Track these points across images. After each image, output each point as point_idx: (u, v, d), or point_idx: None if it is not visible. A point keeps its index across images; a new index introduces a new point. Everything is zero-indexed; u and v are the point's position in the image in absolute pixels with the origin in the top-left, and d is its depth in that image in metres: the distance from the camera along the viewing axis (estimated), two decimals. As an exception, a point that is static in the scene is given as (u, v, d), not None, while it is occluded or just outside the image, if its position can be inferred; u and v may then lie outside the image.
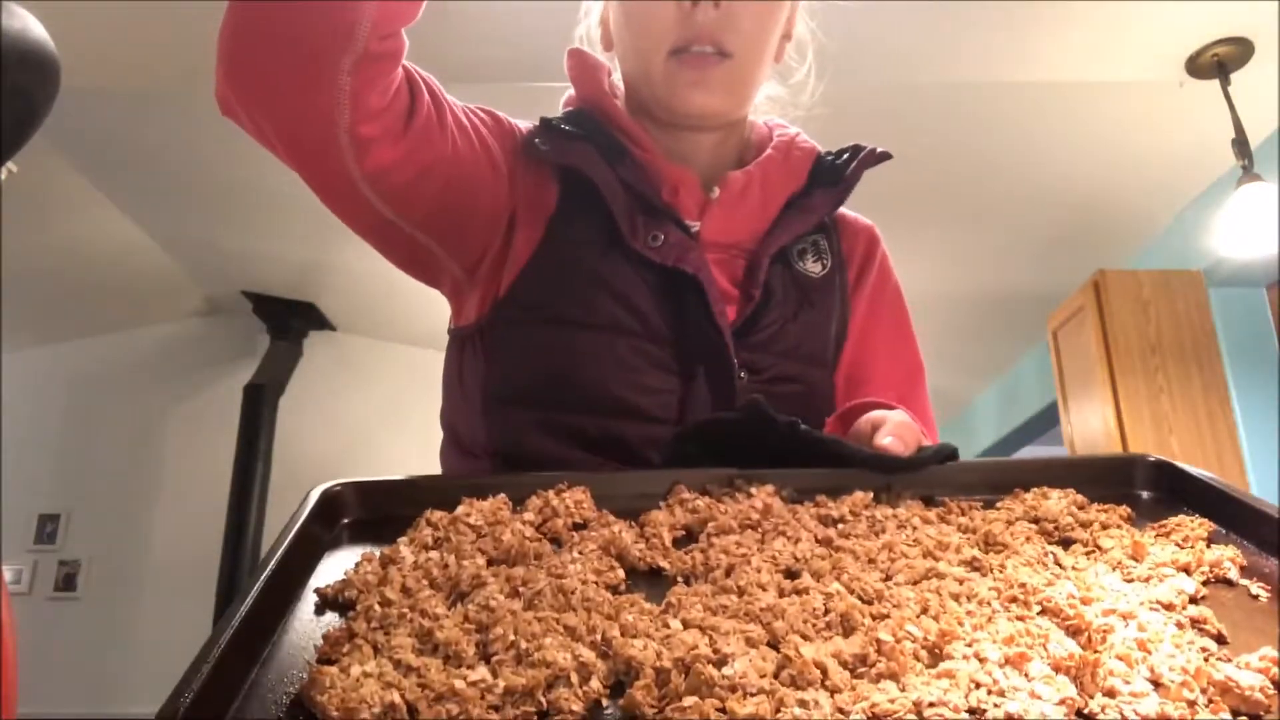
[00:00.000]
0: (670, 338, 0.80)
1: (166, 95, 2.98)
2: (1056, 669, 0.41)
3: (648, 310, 0.80)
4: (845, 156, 0.90)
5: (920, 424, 0.82)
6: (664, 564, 0.54)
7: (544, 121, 0.86)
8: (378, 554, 0.53)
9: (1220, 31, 2.29)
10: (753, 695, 0.39)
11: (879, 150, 0.90)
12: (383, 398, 4.96)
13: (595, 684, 0.41)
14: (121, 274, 4.37)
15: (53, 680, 4.40)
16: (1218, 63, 2.35)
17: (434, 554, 0.52)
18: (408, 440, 4.93)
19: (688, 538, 0.58)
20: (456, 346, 0.86)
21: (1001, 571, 0.51)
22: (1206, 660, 0.42)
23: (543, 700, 0.40)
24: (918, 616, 0.45)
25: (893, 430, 0.69)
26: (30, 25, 1.07)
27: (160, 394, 4.98)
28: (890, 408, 0.79)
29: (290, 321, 4.88)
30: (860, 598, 0.48)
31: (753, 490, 0.61)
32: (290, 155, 0.72)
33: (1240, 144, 2.39)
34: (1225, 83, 2.38)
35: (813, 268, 0.89)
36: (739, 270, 0.85)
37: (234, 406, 4.64)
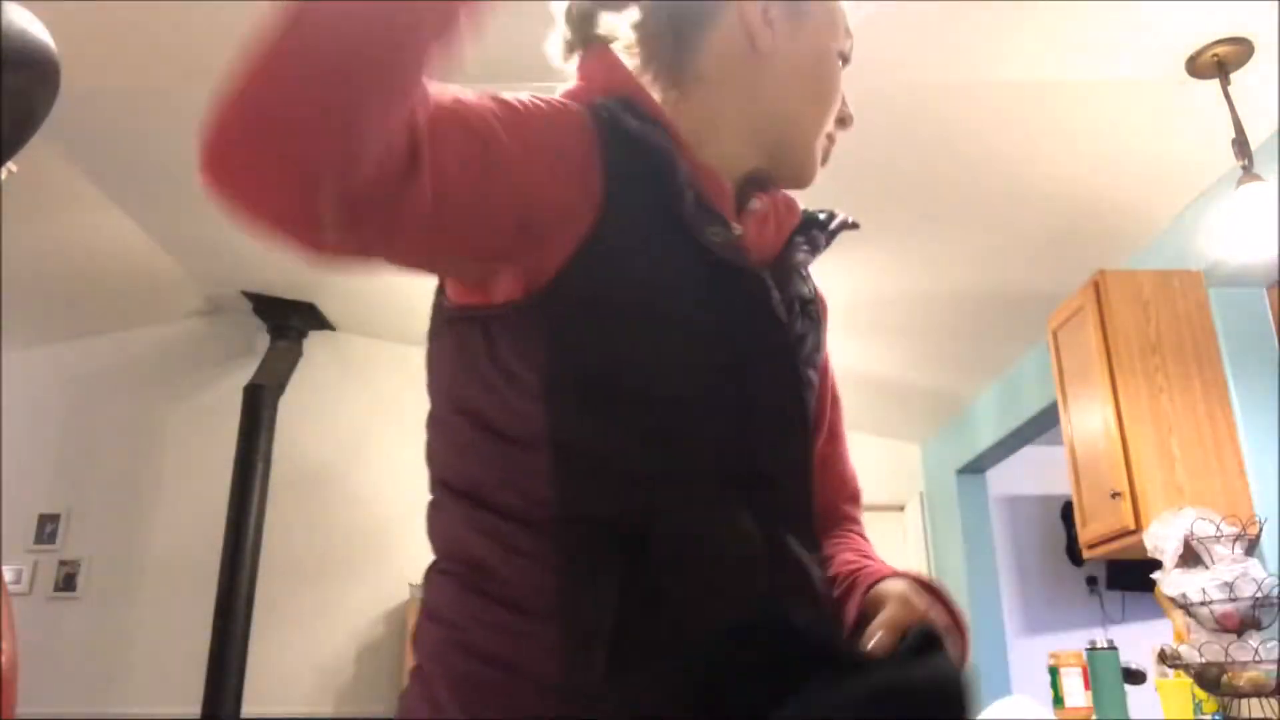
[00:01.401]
0: (731, 336, 0.79)
1: (166, 95, 2.98)
2: None
3: (712, 306, 0.78)
4: (823, 217, 0.95)
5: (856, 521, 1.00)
6: None
7: (621, 103, 0.81)
8: None
9: (1220, 31, 2.29)
10: None
11: (850, 220, 0.96)
12: (383, 398, 4.96)
13: None
14: (121, 274, 4.37)
15: (53, 680, 4.40)
16: (1218, 63, 2.35)
17: None
18: (408, 441, 4.92)
19: None
20: (476, 325, 0.78)
21: None
22: None
23: None
24: None
25: (883, 625, 0.73)
26: (30, 25, 1.07)
27: (160, 394, 4.98)
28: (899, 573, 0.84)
29: (290, 321, 4.89)
30: None
31: None
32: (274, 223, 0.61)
33: (1240, 144, 2.39)
34: (1225, 83, 2.38)
35: (811, 291, 0.95)
36: None
37: (234, 406, 4.64)
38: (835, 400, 1.03)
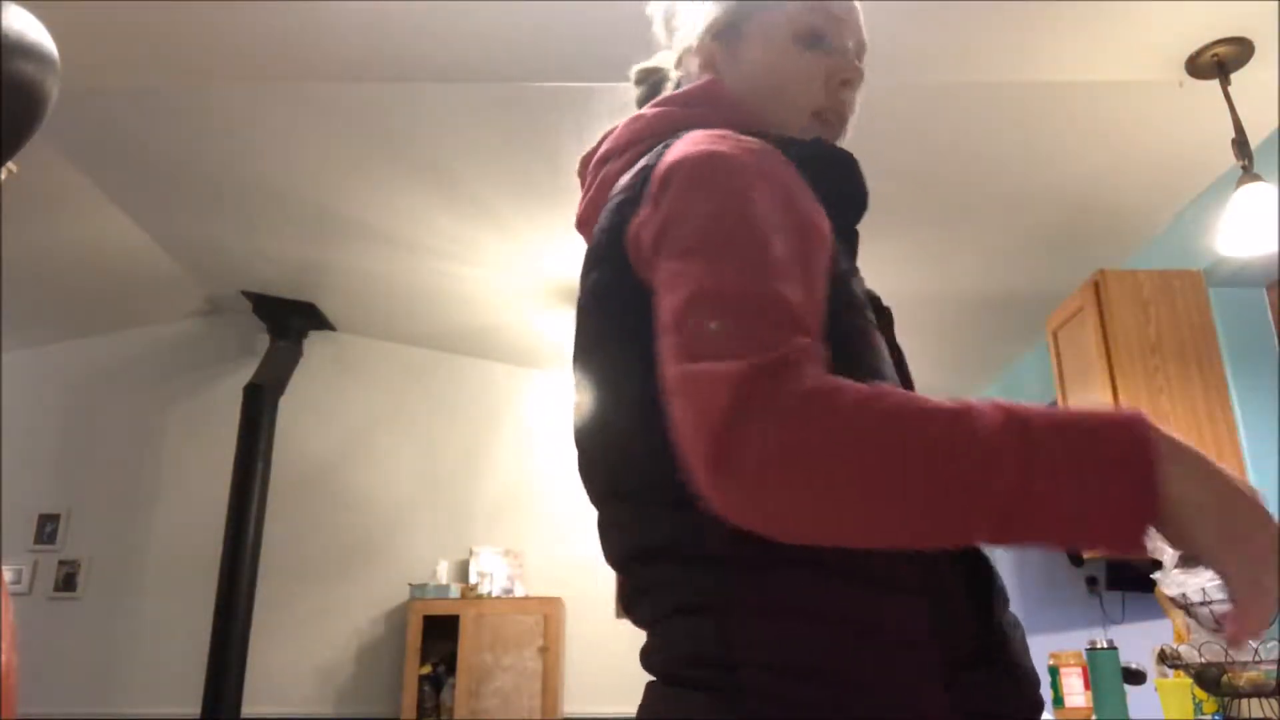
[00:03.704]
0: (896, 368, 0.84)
1: (166, 95, 2.98)
2: None
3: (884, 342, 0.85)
4: None
5: None
6: None
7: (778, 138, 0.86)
8: None
9: (1220, 31, 2.29)
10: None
11: None
12: (383, 398, 4.96)
13: None
14: (121, 274, 4.37)
15: (53, 680, 4.40)
16: (1218, 63, 2.35)
17: None
18: (407, 441, 4.92)
19: None
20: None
21: None
22: None
23: None
24: None
25: None
26: (30, 24, 1.07)
27: (160, 394, 4.98)
28: None
29: (290, 321, 4.89)
30: None
31: None
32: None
33: (1240, 144, 2.38)
34: (1225, 83, 2.38)
35: None
36: None
37: (234, 406, 4.65)
38: None
